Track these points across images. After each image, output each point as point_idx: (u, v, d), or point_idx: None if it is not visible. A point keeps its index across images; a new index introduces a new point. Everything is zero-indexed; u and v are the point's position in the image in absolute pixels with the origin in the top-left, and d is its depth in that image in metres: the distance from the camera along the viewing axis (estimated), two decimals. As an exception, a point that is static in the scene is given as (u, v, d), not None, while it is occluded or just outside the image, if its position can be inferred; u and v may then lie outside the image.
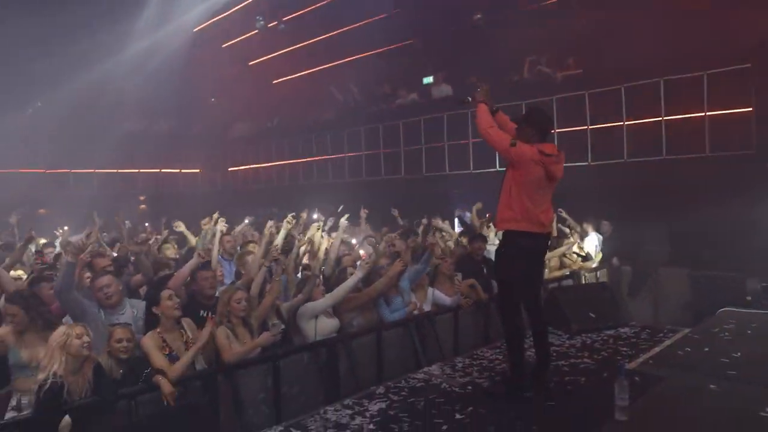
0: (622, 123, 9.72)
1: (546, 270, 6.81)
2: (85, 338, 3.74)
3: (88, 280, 5.01)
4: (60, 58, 14.76)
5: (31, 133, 15.89)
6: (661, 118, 9.25)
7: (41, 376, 3.69)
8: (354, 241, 7.32)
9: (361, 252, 7.28)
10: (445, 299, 6.30)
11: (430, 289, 6.27)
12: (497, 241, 6.83)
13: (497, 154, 9.11)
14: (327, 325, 5.21)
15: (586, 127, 10.12)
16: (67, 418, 3.41)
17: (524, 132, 4.34)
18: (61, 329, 3.74)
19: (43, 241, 7.03)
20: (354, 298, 5.53)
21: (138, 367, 4.03)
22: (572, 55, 10.87)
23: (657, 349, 5.25)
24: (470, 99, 4.57)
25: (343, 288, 5.32)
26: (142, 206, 17.52)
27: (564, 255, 7.85)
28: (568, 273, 7.73)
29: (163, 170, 18.37)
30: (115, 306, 4.66)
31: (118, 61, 16.16)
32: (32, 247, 7.87)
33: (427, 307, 6.12)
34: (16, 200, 14.58)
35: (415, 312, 5.86)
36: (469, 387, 4.56)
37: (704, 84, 8.82)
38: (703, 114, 8.84)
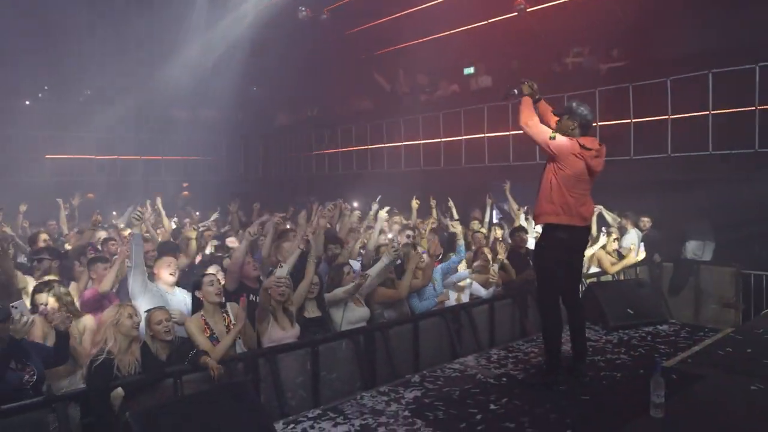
0: (667, 116, 9.51)
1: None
2: (135, 318, 3.94)
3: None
4: (112, 46, 15.18)
5: (82, 119, 16.43)
6: (708, 112, 9.01)
7: (94, 351, 3.91)
8: (390, 234, 7.37)
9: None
10: (481, 290, 6.35)
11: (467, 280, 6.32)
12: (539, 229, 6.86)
13: (537, 147, 9.09)
14: (355, 313, 5.27)
15: (629, 120, 9.94)
16: (119, 390, 3.60)
17: (565, 125, 4.35)
18: (113, 308, 3.97)
19: (103, 234, 7.29)
20: (386, 294, 5.62)
21: (183, 348, 4.22)
22: (617, 46, 10.65)
23: (696, 348, 5.18)
24: (516, 92, 4.57)
25: (374, 272, 5.38)
26: (185, 192, 17.95)
27: (603, 253, 7.63)
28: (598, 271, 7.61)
29: (206, 157, 18.75)
30: (172, 285, 5.01)
31: (166, 51, 16.50)
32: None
33: (464, 298, 6.18)
34: (70, 185, 15.30)
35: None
36: (504, 378, 4.60)
37: (756, 76, 8.54)
38: (753, 108, 8.57)
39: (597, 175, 4.33)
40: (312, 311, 5.12)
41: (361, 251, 6.79)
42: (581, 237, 4.42)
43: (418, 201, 8.80)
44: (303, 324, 4.93)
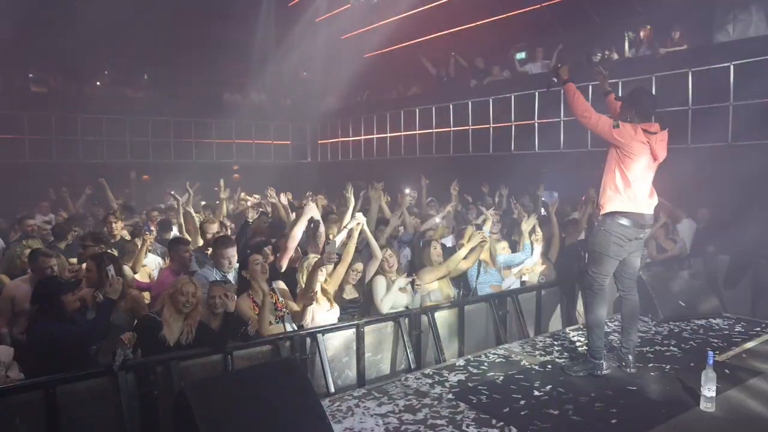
0: (728, 103, 9.13)
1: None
2: (191, 298, 4.06)
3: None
4: (163, 34, 15.61)
5: (139, 104, 17.00)
6: (772, 99, 8.61)
7: (145, 312, 4.16)
8: (438, 219, 7.39)
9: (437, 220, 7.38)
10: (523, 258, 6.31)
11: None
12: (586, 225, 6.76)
13: (589, 133, 8.88)
14: (399, 300, 5.30)
15: (687, 107, 9.59)
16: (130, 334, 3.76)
17: (628, 111, 4.27)
18: (176, 280, 4.13)
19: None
20: (431, 272, 5.64)
21: (234, 323, 4.34)
22: (677, 30, 10.26)
23: (752, 344, 5.04)
24: (555, 80, 4.48)
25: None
26: (236, 175, 18.35)
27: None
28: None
29: (255, 141, 19.08)
30: (229, 270, 5.16)
31: (213, 34, 16.84)
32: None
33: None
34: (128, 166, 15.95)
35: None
36: (549, 366, 4.59)
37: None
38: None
39: (660, 161, 4.25)
40: (350, 292, 5.20)
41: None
42: (645, 225, 4.33)
43: (456, 187, 8.95)
44: (342, 305, 5.02)
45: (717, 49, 9.37)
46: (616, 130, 4.13)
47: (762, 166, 8.49)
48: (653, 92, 9.41)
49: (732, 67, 9.07)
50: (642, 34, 10.69)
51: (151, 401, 3.66)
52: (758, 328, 5.54)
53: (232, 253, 5.17)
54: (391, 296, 5.17)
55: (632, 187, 4.17)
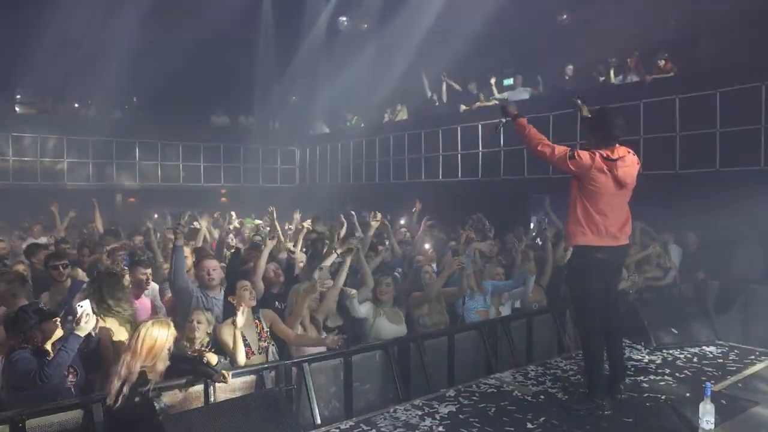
0: (715, 129, 9.19)
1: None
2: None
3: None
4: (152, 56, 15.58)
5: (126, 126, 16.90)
6: (760, 126, 8.67)
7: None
8: (427, 246, 7.34)
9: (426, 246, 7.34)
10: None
11: (506, 294, 6.22)
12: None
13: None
14: (386, 330, 5.20)
15: (675, 133, 9.65)
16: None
17: (593, 136, 4.09)
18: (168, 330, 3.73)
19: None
20: (417, 297, 5.55)
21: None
22: (663, 57, 10.38)
23: (747, 372, 4.94)
24: (503, 120, 4.30)
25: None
26: (224, 199, 18.22)
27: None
28: None
29: (244, 165, 18.97)
30: (214, 288, 5.04)
31: (202, 57, 16.84)
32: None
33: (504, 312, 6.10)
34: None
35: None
36: (542, 396, 4.46)
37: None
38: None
39: (630, 187, 4.06)
40: (334, 320, 5.08)
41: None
42: (616, 255, 4.16)
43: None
44: (327, 332, 4.90)
45: (704, 76, 9.45)
46: (572, 161, 3.91)
47: (748, 192, 8.53)
48: (640, 118, 9.55)
49: (718, 94, 9.15)
50: (629, 60, 10.80)
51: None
52: (752, 357, 5.43)
53: (213, 265, 5.05)
54: (377, 328, 5.02)
55: (595, 220, 3.97)
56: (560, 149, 4.00)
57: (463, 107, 13.82)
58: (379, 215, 7.15)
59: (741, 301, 8.16)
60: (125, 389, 3.22)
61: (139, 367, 3.28)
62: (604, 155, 3.92)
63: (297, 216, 9.26)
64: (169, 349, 3.50)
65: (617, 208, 4.06)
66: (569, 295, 4.34)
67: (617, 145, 4.07)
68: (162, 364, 3.41)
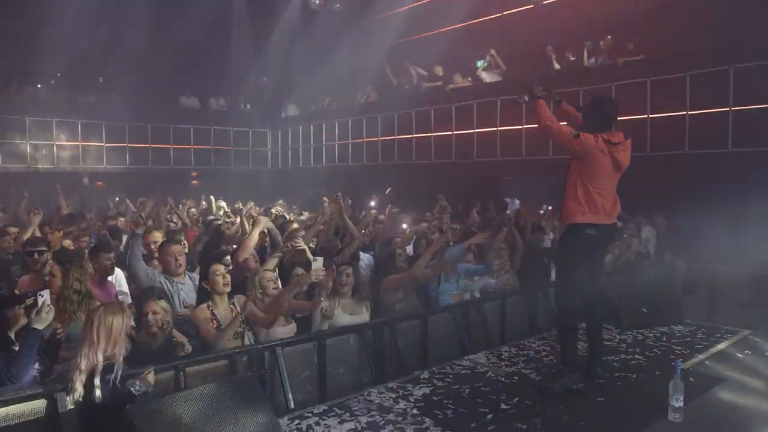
0: (684, 112, 9.31)
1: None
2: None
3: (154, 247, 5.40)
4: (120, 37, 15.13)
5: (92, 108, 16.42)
6: (728, 108, 8.81)
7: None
8: (405, 225, 7.31)
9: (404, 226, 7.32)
10: (489, 281, 6.25)
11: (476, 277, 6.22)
12: (551, 234, 6.77)
13: (550, 141, 8.91)
14: (342, 320, 5.00)
15: (646, 116, 9.75)
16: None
17: (590, 121, 4.21)
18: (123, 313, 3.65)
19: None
20: (398, 278, 5.51)
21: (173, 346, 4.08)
22: (634, 40, 10.45)
23: (714, 350, 5.04)
24: (527, 98, 4.38)
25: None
26: (194, 182, 17.91)
27: None
28: None
29: (215, 147, 18.65)
30: (180, 273, 4.93)
31: (172, 38, 16.42)
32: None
33: (477, 294, 6.11)
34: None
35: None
36: (516, 377, 4.48)
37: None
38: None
39: (624, 170, 4.21)
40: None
41: None
42: (607, 234, 4.30)
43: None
44: (298, 321, 4.86)
45: (675, 60, 9.54)
46: (577, 140, 4.05)
47: (715, 174, 8.69)
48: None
49: (688, 77, 9.25)
50: (602, 44, 10.85)
51: (95, 425, 3.38)
52: (718, 335, 5.56)
53: (179, 250, 4.95)
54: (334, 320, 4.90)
55: (593, 199, 4.10)
56: (566, 129, 4.17)
57: (425, 85, 13.73)
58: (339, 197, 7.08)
59: (706, 282, 8.33)
60: (89, 380, 3.11)
61: (101, 356, 3.16)
62: (606, 138, 4.08)
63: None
64: (128, 334, 3.39)
65: (611, 188, 4.22)
66: (557, 271, 4.40)
67: (617, 131, 4.22)
68: (123, 349, 3.29)
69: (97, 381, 3.11)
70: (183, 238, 6.23)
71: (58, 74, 17.40)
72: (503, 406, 3.92)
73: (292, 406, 4.12)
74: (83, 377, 3.10)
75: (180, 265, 4.97)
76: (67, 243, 6.32)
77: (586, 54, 11.10)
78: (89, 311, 3.62)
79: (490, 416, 3.75)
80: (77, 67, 16.58)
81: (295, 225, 6.61)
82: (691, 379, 4.24)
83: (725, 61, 8.82)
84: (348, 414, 3.80)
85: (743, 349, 4.98)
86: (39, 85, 16.86)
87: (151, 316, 4.04)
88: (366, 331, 4.85)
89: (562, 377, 4.20)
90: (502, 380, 4.42)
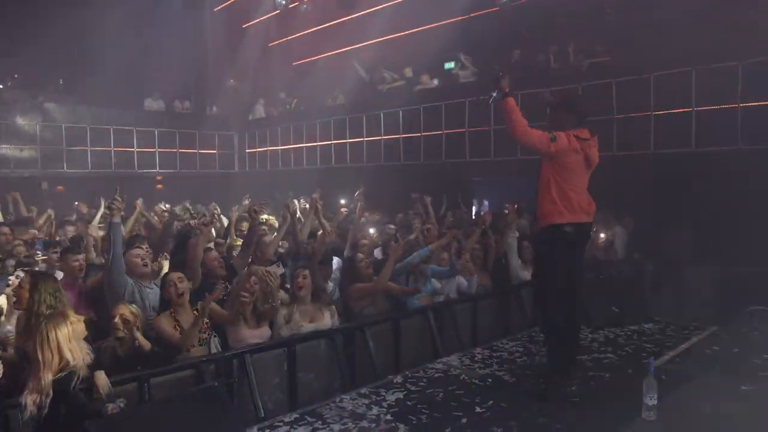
0: (650, 113, 9.43)
1: None
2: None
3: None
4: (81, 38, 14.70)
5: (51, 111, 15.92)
6: (691, 109, 8.96)
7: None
8: (372, 230, 7.21)
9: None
10: (463, 282, 6.22)
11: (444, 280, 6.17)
12: (517, 234, 6.75)
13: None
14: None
15: (611, 116, 9.84)
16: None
17: (562, 117, 4.17)
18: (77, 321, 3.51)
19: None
20: (363, 288, 5.43)
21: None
22: (600, 43, 10.57)
23: (684, 347, 5.10)
24: (494, 95, 4.14)
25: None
26: (159, 185, 17.50)
27: None
28: None
29: (180, 150, 18.25)
30: (146, 277, 4.76)
31: (136, 40, 16.03)
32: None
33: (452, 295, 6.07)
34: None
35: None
36: (489, 380, 4.44)
37: (739, 74, 8.50)
38: (736, 105, 8.53)
39: (594, 166, 4.20)
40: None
41: None
42: (584, 231, 4.28)
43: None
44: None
45: (639, 61, 9.66)
46: (554, 144, 3.99)
47: (680, 175, 8.82)
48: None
49: (653, 78, 9.38)
50: (569, 49, 10.93)
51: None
52: (686, 332, 5.63)
53: (141, 254, 4.76)
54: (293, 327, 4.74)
55: (569, 197, 4.07)
56: (541, 133, 4.05)
57: (385, 86, 13.71)
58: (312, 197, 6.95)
59: (674, 279, 8.46)
60: (44, 401, 2.92)
61: (49, 376, 2.97)
62: (576, 135, 4.05)
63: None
64: (81, 338, 3.20)
65: (584, 186, 4.20)
66: (537, 273, 4.34)
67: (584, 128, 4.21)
68: (81, 354, 3.10)
69: (46, 401, 2.92)
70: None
71: (16, 75, 16.83)
72: (478, 409, 3.88)
73: (263, 414, 4.00)
74: (34, 396, 2.92)
75: (146, 265, 4.81)
76: (20, 250, 6.08)
77: (552, 58, 11.17)
78: (32, 329, 3.37)
79: (464, 420, 3.70)
80: (36, 68, 16.12)
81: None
82: (663, 376, 4.24)
83: (689, 62, 8.95)
84: (320, 422, 3.71)
85: (712, 346, 5.03)
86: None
87: (118, 320, 3.87)
88: (337, 335, 4.75)
89: (554, 383, 4.16)
90: (476, 383, 4.37)
